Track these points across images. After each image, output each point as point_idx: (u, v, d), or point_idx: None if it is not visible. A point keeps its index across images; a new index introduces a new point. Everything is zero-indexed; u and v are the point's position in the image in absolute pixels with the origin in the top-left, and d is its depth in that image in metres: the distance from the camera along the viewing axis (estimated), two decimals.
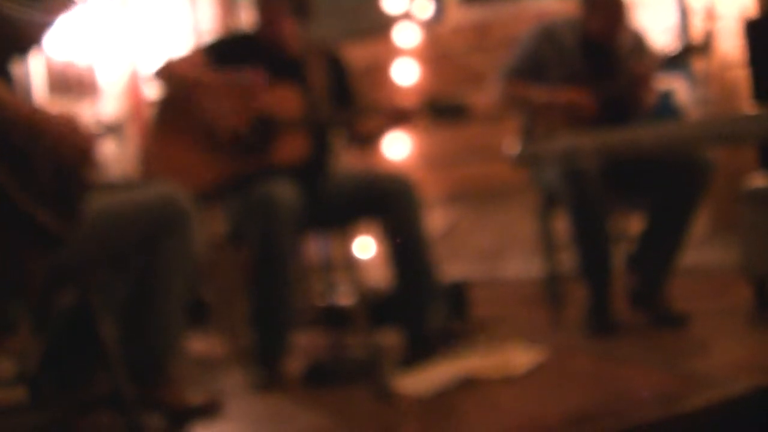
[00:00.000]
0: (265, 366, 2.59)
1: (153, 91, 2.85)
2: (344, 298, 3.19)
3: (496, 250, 4.49)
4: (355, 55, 4.47)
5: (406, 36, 4.86)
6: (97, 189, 2.02)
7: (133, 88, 4.58)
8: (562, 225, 2.99)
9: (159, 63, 2.76)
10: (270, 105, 2.70)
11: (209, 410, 2.23)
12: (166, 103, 2.79)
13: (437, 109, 2.76)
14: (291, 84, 2.75)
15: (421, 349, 2.65)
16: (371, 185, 2.76)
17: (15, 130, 1.65)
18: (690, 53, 3.03)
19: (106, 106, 4.43)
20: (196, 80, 2.67)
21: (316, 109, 2.75)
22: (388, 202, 2.68)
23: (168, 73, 2.73)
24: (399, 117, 2.78)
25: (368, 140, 2.94)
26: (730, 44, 3.91)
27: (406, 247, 2.67)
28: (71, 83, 4.22)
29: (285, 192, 2.57)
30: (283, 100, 2.72)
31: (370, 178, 2.82)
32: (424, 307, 2.69)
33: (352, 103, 2.91)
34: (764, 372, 2.18)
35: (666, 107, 4.01)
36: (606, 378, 2.35)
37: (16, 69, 1.97)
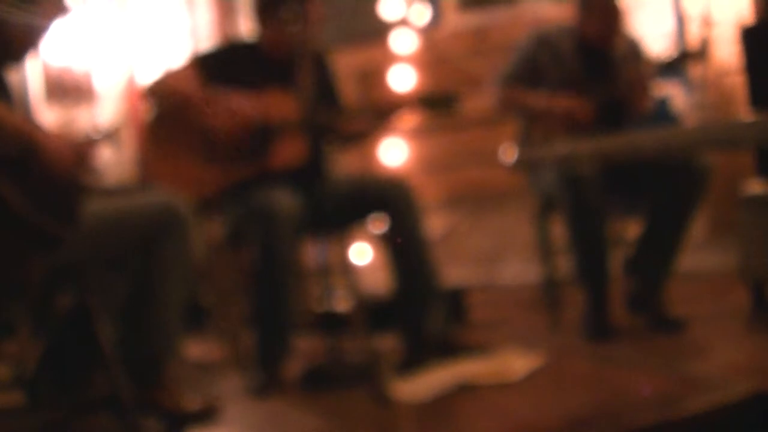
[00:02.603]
0: (264, 370, 2.59)
1: (145, 102, 2.84)
2: (342, 303, 3.18)
3: (493, 254, 4.49)
4: (352, 60, 4.50)
5: (403, 42, 4.86)
6: (96, 194, 2.03)
7: (131, 93, 4.58)
8: (559, 229, 2.99)
9: (153, 79, 2.76)
10: (266, 111, 2.70)
11: (206, 415, 2.23)
12: (162, 111, 2.79)
13: (426, 102, 2.76)
14: (285, 89, 2.75)
15: (419, 354, 2.65)
16: (369, 188, 2.76)
17: (8, 141, 1.66)
18: (686, 59, 3.03)
19: (103, 111, 4.43)
20: (190, 97, 2.67)
21: (312, 114, 2.75)
22: (386, 205, 2.69)
23: (161, 91, 2.74)
24: (387, 112, 2.77)
25: (356, 139, 2.94)
26: (727, 51, 3.92)
27: (407, 249, 2.67)
28: (68, 89, 4.22)
29: (284, 199, 2.58)
30: (279, 106, 2.73)
31: (367, 181, 2.82)
32: (423, 310, 2.68)
33: (336, 103, 2.92)
34: (762, 375, 2.18)
35: (663, 113, 4.02)
36: (604, 381, 2.35)
37: (12, 75, 1.97)
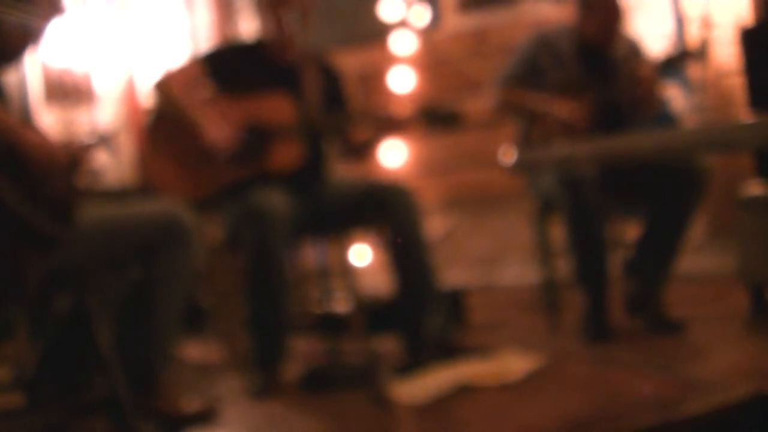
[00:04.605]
0: (263, 372, 2.59)
1: (149, 99, 2.85)
2: (341, 304, 3.18)
3: (493, 256, 4.49)
4: (352, 62, 4.50)
5: (403, 43, 4.87)
6: (96, 197, 2.03)
7: (130, 95, 4.58)
8: (558, 231, 2.99)
9: (158, 75, 2.76)
10: (265, 112, 2.71)
11: (205, 416, 2.23)
12: (161, 111, 2.79)
13: (431, 117, 2.76)
14: (286, 92, 2.75)
15: (419, 356, 2.64)
16: (369, 193, 2.76)
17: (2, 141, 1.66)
18: (686, 58, 3.03)
19: (102, 113, 4.43)
20: (186, 112, 2.67)
21: (310, 117, 2.75)
22: (386, 210, 2.69)
23: (165, 89, 2.74)
24: (392, 125, 2.78)
25: (362, 150, 2.94)
26: (726, 52, 3.92)
27: (407, 253, 2.67)
28: (68, 90, 4.22)
29: (277, 201, 2.58)
30: (279, 108, 2.73)
31: (368, 186, 2.82)
32: (423, 313, 2.68)
33: (345, 112, 2.92)
34: (761, 377, 2.18)
35: (662, 115, 4.01)
36: (603, 384, 2.34)
37: (11, 76, 1.97)
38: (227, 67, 2.78)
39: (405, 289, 2.70)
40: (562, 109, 2.93)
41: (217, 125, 2.64)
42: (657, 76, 2.95)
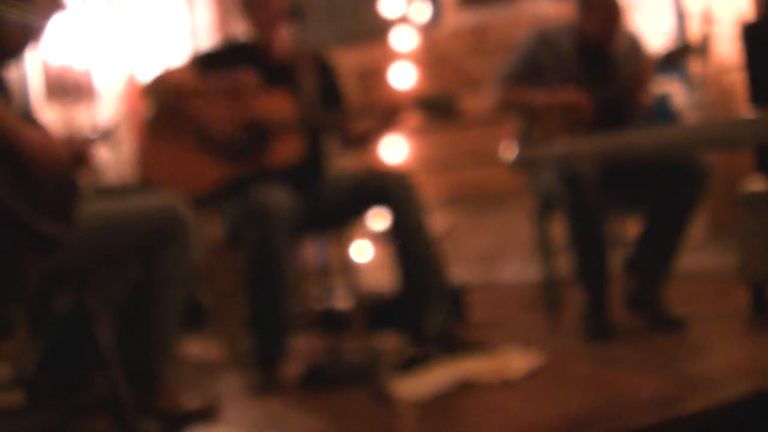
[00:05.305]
0: (263, 370, 2.59)
1: (143, 101, 2.85)
2: (342, 301, 3.18)
3: (493, 253, 4.49)
4: (352, 59, 4.50)
5: (403, 40, 4.86)
6: (96, 193, 2.03)
7: (130, 92, 4.58)
8: (559, 229, 2.99)
9: (150, 77, 2.76)
10: (264, 110, 2.71)
11: (205, 414, 2.23)
12: (160, 109, 2.79)
13: (426, 105, 2.76)
14: (283, 89, 2.76)
15: (422, 346, 2.64)
16: (368, 181, 2.77)
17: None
18: (687, 52, 3.03)
19: (103, 110, 4.43)
20: (188, 89, 2.67)
21: (309, 113, 2.75)
22: (386, 196, 2.69)
23: (159, 87, 2.74)
24: (389, 114, 2.78)
25: (361, 142, 2.95)
26: (727, 48, 3.92)
27: (409, 239, 2.67)
28: (68, 87, 4.21)
29: (280, 198, 2.58)
30: (277, 105, 2.73)
31: (366, 174, 2.83)
32: (428, 297, 2.67)
33: (341, 106, 2.92)
34: (762, 375, 2.18)
35: (663, 111, 4.01)
36: (603, 382, 2.35)
37: (12, 73, 1.97)
38: (223, 66, 2.78)
39: (409, 275, 2.69)
40: (564, 96, 2.92)
41: (219, 110, 2.64)
42: (654, 72, 2.94)
